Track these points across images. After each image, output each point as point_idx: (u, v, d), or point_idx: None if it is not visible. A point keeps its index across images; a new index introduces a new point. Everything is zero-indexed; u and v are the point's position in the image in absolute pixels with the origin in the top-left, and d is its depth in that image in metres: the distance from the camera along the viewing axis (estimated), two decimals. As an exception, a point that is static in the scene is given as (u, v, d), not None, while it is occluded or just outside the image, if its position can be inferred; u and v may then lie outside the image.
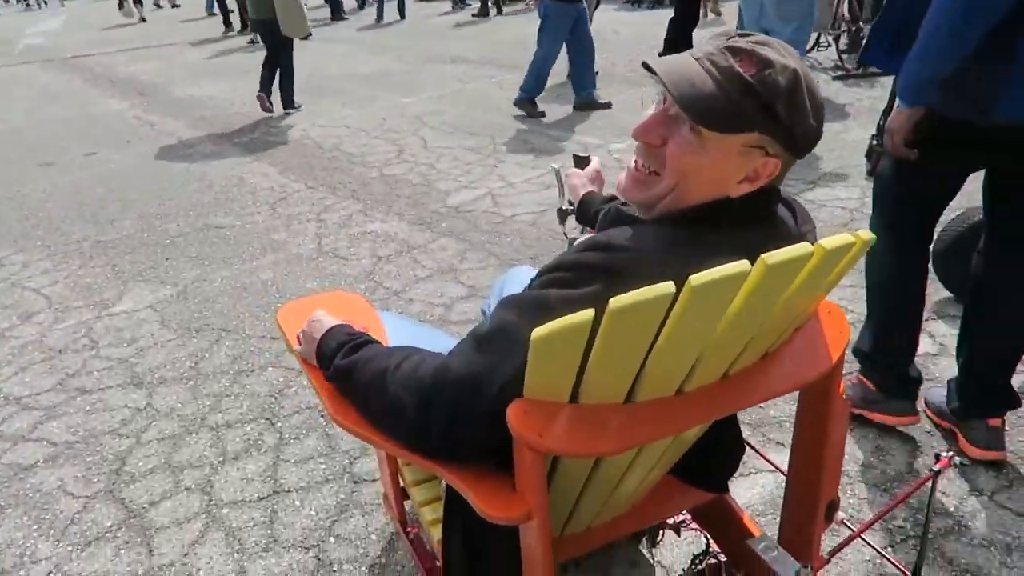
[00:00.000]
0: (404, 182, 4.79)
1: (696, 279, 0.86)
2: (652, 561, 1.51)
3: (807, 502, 1.35)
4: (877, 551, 1.51)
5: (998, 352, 2.14)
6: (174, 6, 19.61)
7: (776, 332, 1.10)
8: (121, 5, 16.01)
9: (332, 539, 2.04)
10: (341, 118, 6.56)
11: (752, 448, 1.62)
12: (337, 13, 14.26)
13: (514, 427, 0.96)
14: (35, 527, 2.17)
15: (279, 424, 2.51)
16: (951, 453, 1.22)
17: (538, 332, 0.88)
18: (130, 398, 2.73)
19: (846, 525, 1.37)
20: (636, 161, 1.10)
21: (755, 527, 1.56)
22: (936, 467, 1.22)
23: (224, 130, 6.49)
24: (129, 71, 9.99)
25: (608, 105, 6.21)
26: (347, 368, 1.17)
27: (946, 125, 1.86)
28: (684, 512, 1.71)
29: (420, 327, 1.69)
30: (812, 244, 0.95)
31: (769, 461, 1.58)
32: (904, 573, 1.38)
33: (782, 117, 1.01)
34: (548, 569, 1.08)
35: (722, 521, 1.61)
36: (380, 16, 13.54)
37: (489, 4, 13.48)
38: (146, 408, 2.66)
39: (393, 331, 1.45)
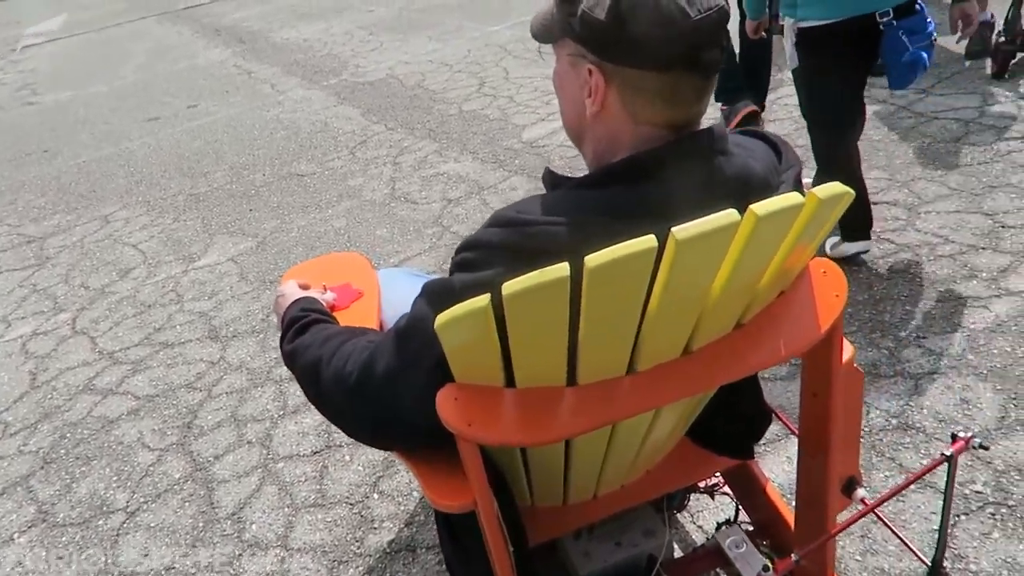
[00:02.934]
0: (481, 118, 4.68)
1: (592, 260, 0.75)
2: (670, 530, 1.43)
3: (818, 478, 1.22)
4: (891, 530, 1.40)
5: None
6: None
7: (741, 300, 0.95)
8: None
9: (376, 495, 2.07)
10: (427, 53, 6.47)
11: (778, 416, 1.48)
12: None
13: (443, 415, 0.89)
14: (115, 478, 2.33)
15: (337, 377, 2.55)
16: (971, 434, 1.04)
17: (439, 320, 0.81)
18: (206, 351, 2.86)
19: (866, 504, 1.22)
20: None
21: (778, 497, 1.46)
22: (949, 451, 1.03)
23: (314, 74, 6.56)
24: (234, 18, 10.25)
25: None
26: (290, 353, 1.17)
27: None
28: (718, 476, 1.61)
29: (419, 278, 1.63)
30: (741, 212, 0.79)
31: (793, 431, 1.44)
32: (923, 562, 1.23)
33: (569, 15, 0.93)
34: (501, 550, 1.05)
35: (748, 490, 1.50)
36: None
37: None
38: (219, 362, 2.78)
39: (390, 288, 1.47)
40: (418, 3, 8.72)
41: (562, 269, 0.76)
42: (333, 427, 2.30)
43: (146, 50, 9.35)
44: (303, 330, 1.20)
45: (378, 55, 6.76)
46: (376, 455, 2.20)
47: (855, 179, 2.48)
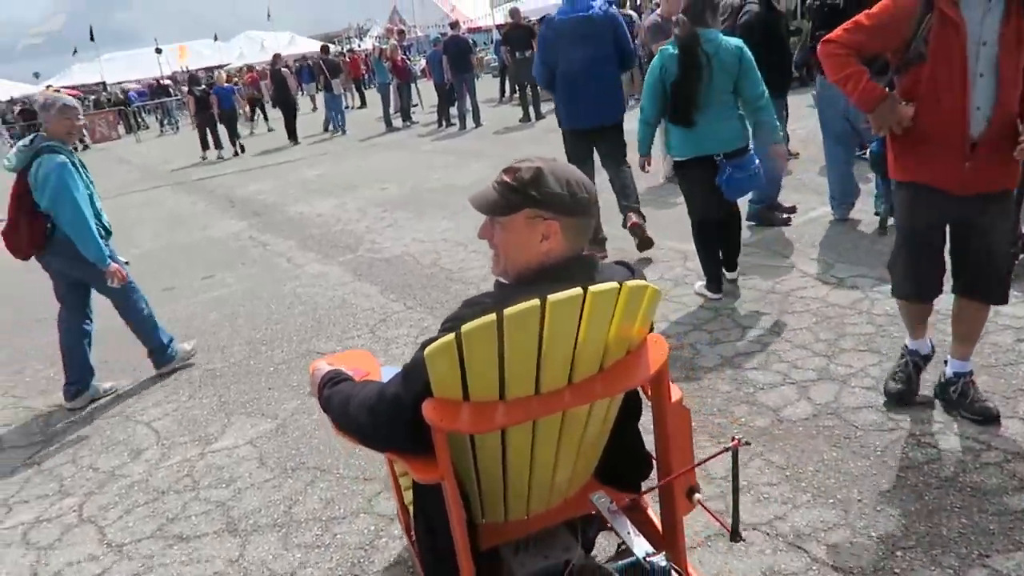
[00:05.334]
0: (500, 300, 4.75)
1: (508, 312, 1.43)
2: (580, 546, 1.89)
3: (668, 489, 1.84)
4: (704, 507, 1.83)
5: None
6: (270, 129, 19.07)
7: (597, 350, 1.58)
8: (205, 146, 15.59)
9: None
10: (441, 232, 6.70)
11: (651, 458, 1.95)
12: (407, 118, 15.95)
13: (428, 415, 1.53)
14: None
15: (367, 583, 2.41)
16: (742, 437, 1.56)
17: (428, 350, 1.49)
18: (224, 547, 2.71)
19: (701, 504, 1.84)
20: (491, 253, 1.74)
21: (654, 515, 1.99)
22: (729, 445, 1.53)
23: (331, 248, 6.74)
24: (248, 191, 10.68)
25: (787, 221, 5.42)
26: (328, 397, 1.86)
27: None
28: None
29: None
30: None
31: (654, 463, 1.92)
32: (724, 527, 1.72)
33: (536, 196, 1.62)
34: (458, 514, 1.64)
35: (638, 518, 1.95)
36: (463, 124, 14.06)
37: (530, 111, 13.58)
38: (238, 560, 2.63)
39: (388, 375, 1.93)
40: (429, 183, 9.14)
41: (492, 317, 1.44)
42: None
43: (160, 218, 9.63)
44: (336, 383, 1.88)
45: (393, 232, 6.99)
46: None
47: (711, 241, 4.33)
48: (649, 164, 4.50)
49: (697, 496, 1.81)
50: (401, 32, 26.50)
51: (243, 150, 15.42)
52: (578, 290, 1.45)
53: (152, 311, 4.42)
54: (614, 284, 1.51)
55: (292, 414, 3.66)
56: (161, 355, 4.43)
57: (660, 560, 1.50)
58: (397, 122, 16.03)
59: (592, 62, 4.90)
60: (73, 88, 33.55)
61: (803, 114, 9.45)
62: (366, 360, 2.18)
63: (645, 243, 5.07)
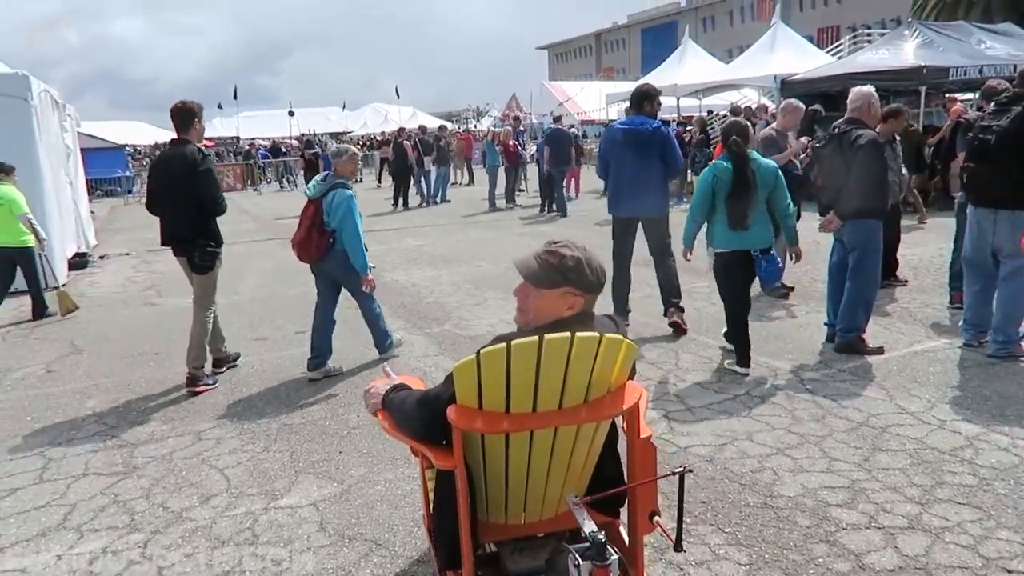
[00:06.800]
0: (579, 393, 4.70)
1: (514, 343, 1.91)
2: (568, 552, 1.97)
3: (634, 510, 2.21)
4: (658, 526, 2.17)
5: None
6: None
7: (582, 383, 2.00)
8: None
9: None
10: (528, 316, 6.72)
11: (626, 487, 2.26)
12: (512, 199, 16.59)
13: (450, 417, 2.01)
14: None
15: (406, 673, 2.34)
16: (688, 466, 2.01)
17: (456, 365, 1.98)
18: (271, 610, 2.70)
19: (658, 524, 2.18)
20: (517, 306, 2.23)
21: (624, 535, 2.39)
22: (677, 469, 1.94)
23: (419, 319, 6.87)
24: (351, 253, 11.07)
25: (880, 350, 5.27)
26: (389, 399, 2.36)
27: None
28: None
29: None
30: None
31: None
32: (669, 539, 2.05)
33: (574, 279, 2.11)
34: (465, 499, 2.07)
35: (610, 532, 2.32)
36: (564, 212, 14.29)
37: None
38: (283, 625, 2.61)
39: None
40: (523, 266, 9.24)
41: (503, 345, 1.92)
42: None
43: (266, 270, 10.08)
44: (396, 390, 2.38)
45: (481, 310, 7.07)
46: None
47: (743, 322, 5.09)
48: (691, 254, 5.29)
49: (656, 519, 2.18)
50: (516, 119, 27.45)
51: None
52: (567, 334, 1.92)
53: (381, 311, 5.81)
54: (595, 334, 1.96)
55: (358, 481, 3.67)
56: (383, 342, 5.77)
57: (600, 536, 1.82)
58: (501, 203, 16.44)
59: (638, 167, 5.86)
60: (210, 140, 36.23)
61: (916, 240, 9.14)
62: (418, 383, 2.66)
63: (680, 335, 5.98)
